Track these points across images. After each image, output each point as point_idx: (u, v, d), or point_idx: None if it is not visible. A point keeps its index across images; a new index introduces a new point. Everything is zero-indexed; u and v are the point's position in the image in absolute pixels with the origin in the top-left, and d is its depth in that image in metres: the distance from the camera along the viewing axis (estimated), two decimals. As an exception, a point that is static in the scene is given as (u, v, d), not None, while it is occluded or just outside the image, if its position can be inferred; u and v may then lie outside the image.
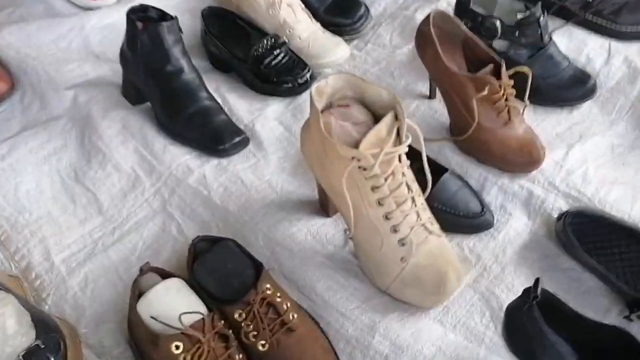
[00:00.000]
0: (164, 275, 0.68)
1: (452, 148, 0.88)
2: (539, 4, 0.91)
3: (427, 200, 0.75)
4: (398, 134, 0.66)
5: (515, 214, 0.82)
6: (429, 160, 0.75)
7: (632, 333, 0.66)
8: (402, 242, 0.68)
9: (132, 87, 0.94)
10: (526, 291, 0.61)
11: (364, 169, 0.66)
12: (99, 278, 0.76)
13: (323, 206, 0.81)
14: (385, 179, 0.66)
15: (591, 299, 0.74)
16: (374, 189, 0.67)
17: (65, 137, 0.91)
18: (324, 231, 0.80)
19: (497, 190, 0.84)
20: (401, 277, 0.69)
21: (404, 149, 0.67)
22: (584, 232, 0.76)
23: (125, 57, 0.91)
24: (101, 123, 0.92)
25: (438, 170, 0.79)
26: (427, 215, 0.71)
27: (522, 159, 0.83)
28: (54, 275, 0.76)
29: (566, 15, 1.04)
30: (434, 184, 0.73)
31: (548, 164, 0.85)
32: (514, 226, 0.81)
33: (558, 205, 0.81)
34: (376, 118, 0.68)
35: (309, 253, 0.77)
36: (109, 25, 1.07)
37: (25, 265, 0.77)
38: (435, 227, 0.72)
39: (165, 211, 0.83)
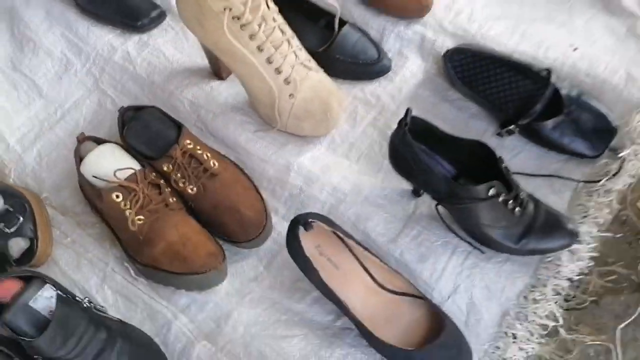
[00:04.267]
0: (100, 142, 0.79)
1: (354, 2, 0.95)
2: None
3: (330, 52, 0.86)
4: None
5: (411, 57, 0.92)
6: (326, 12, 0.86)
7: (503, 146, 0.82)
8: (287, 81, 0.78)
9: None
10: (401, 121, 0.73)
11: (238, 18, 0.72)
12: (51, 152, 0.88)
13: (215, 70, 0.89)
14: (259, 26, 0.74)
15: (474, 123, 0.87)
16: (251, 37, 0.74)
17: (-4, 30, 0.97)
18: (243, 91, 0.90)
19: (395, 37, 0.93)
20: (293, 112, 0.80)
21: None
22: (466, 67, 0.86)
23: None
24: (25, 12, 0.97)
25: (339, 24, 0.87)
26: (304, 55, 0.80)
27: (414, 4, 0.91)
28: (12, 155, 0.87)
29: None
30: (334, 37, 0.82)
31: (439, 9, 0.93)
32: (409, 68, 0.91)
33: (447, 44, 0.91)
34: None
35: (230, 113, 0.88)
36: None
37: (-15, 150, 0.88)
38: (313, 64, 0.81)
39: (98, 89, 0.92)
